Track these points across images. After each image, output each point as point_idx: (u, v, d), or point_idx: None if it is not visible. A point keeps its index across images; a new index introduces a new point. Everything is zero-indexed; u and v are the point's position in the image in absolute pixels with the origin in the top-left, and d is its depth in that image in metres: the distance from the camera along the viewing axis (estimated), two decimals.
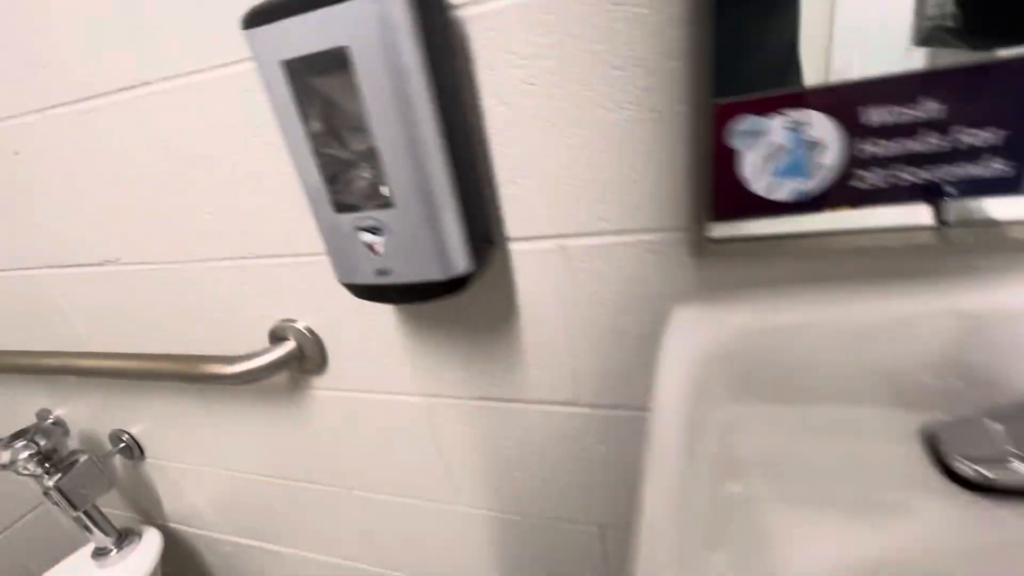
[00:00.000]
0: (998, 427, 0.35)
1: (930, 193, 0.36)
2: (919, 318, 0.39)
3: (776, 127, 0.37)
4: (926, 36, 0.38)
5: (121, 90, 0.57)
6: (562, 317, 0.53)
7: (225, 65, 0.51)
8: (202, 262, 0.67)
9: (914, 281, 0.40)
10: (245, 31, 0.38)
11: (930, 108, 0.34)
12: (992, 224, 0.37)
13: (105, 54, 0.56)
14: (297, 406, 0.74)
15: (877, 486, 0.36)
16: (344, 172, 0.40)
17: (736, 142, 0.38)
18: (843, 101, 0.35)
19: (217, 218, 0.62)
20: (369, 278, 0.43)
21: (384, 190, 0.39)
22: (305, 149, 0.40)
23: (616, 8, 0.38)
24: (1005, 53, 0.32)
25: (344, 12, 0.34)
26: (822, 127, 0.36)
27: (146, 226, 0.67)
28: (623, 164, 0.44)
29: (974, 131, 0.34)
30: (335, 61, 0.36)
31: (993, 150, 0.34)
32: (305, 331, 0.66)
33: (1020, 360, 0.36)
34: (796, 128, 0.37)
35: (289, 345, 0.67)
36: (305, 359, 0.68)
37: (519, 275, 0.52)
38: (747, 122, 0.37)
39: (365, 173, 0.39)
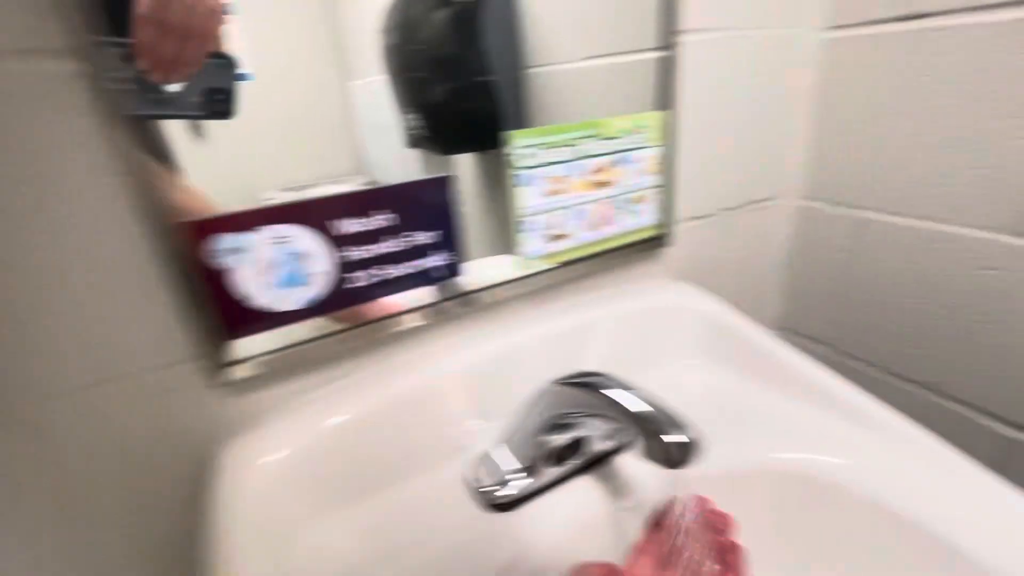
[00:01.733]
0: (502, 452, 0.45)
1: (416, 281, 0.44)
2: (435, 380, 0.47)
3: (261, 242, 0.36)
4: (413, 142, 0.47)
5: None
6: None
7: None
8: None
9: (425, 350, 0.48)
10: None
11: (382, 218, 0.40)
12: (471, 294, 0.48)
13: None
14: None
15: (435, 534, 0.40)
16: None
17: (222, 260, 0.35)
18: (315, 215, 0.38)
19: None
20: None
21: None
22: None
23: None
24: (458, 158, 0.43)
25: None
26: (305, 239, 0.38)
27: None
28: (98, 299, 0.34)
29: (421, 233, 0.42)
30: None
31: (436, 246, 0.43)
32: None
33: (517, 384, 0.46)
34: (282, 241, 0.37)
35: None
36: None
37: None
38: (227, 240, 0.35)
39: None
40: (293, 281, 0.38)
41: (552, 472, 0.43)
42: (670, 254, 0.62)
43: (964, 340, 0.59)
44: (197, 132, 0.34)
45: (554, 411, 0.41)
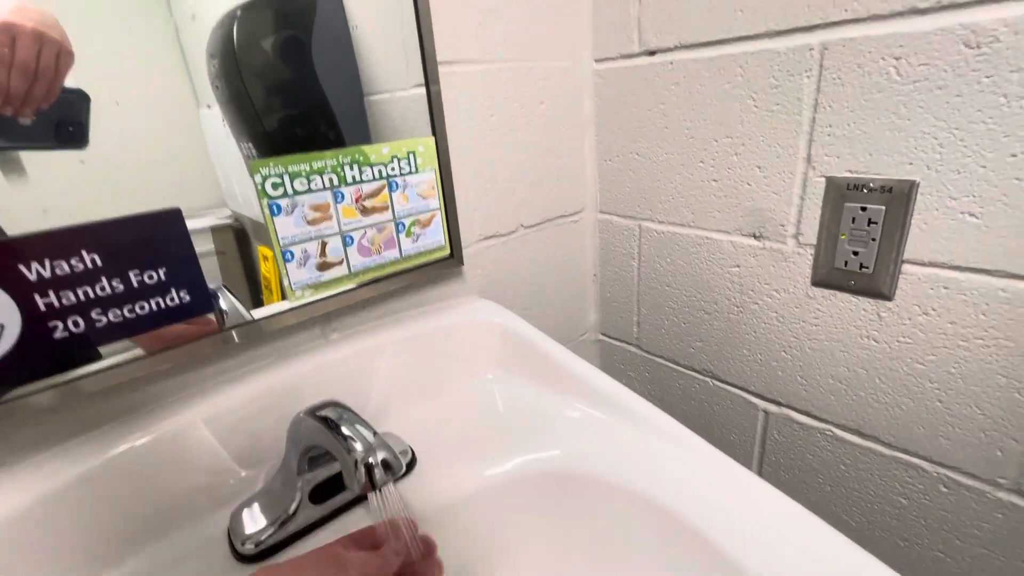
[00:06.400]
0: (263, 499, 0.42)
1: (154, 320, 0.40)
2: (194, 426, 0.43)
3: None
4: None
5: None
6: None
7: None
8: None
9: (186, 392, 0.45)
10: None
11: (91, 259, 0.37)
12: (250, 322, 0.45)
13: None
14: None
15: None
16: None
17: None
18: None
19: None
20: None
21: None
22: None
23: None
24: None
25: None
26: None
27: None
28: None
29: (151, 270, 0.39)
30: None
31: (172, 282, 0.40)
32: None
33: (283, 422, 0.43)
34: None
35: None
36: None
37: None
38: None
39: None
40: None
41: (314, 512, 0.41)
42: (467, 273, 0.63)
43: (728, 331, 0.67)
44: (13, 169, 0.35)
45: (309, 443, 0.40)
